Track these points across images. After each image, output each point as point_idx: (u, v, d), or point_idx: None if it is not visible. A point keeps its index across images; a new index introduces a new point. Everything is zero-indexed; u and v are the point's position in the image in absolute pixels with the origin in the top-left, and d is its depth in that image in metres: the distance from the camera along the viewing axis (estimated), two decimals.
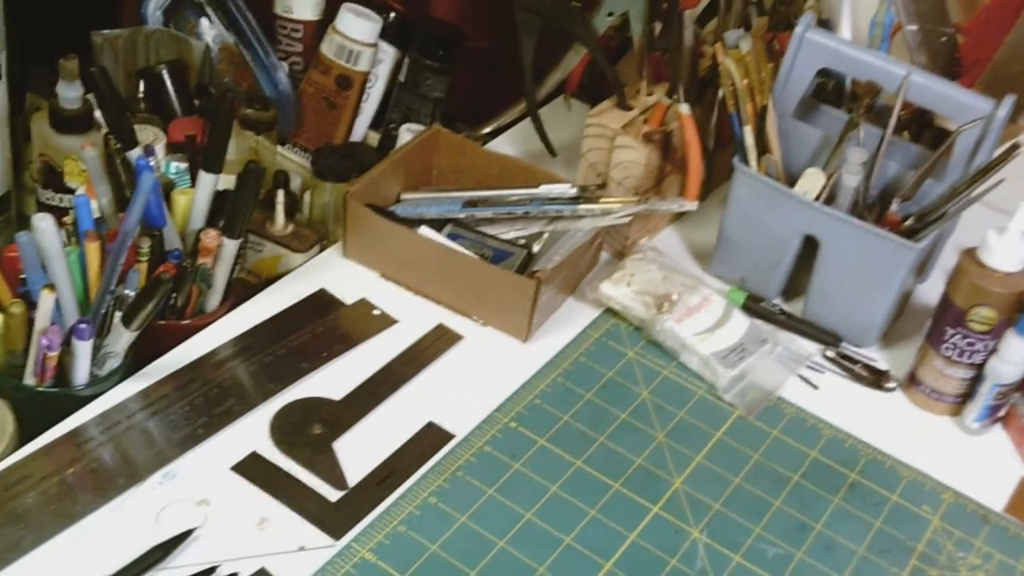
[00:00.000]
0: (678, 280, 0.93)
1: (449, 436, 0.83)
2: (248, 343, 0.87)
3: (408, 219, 0.94)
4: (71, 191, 0.97)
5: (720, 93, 0.95)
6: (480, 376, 0.88)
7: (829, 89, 1.00)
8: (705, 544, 0.78)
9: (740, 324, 0.91)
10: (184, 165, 0.95)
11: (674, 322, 0.90)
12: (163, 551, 0.71)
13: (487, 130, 1.07)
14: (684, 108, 0.92)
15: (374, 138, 1.18)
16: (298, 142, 1.16)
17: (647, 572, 0.76)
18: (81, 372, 0.79)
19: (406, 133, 1.08)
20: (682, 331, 0.90)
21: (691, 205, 0.92)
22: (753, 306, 0.95)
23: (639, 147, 0.93)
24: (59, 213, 0.83)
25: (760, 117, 0.91)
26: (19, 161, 1.06)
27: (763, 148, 0.92)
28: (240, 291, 0.91)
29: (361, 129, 1.17)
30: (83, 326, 0.76)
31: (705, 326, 0.90)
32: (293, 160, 1.14)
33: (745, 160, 0.92)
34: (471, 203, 0.94)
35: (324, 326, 0.90)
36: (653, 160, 0.95)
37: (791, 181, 0.93)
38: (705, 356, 0.89)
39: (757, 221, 0.94)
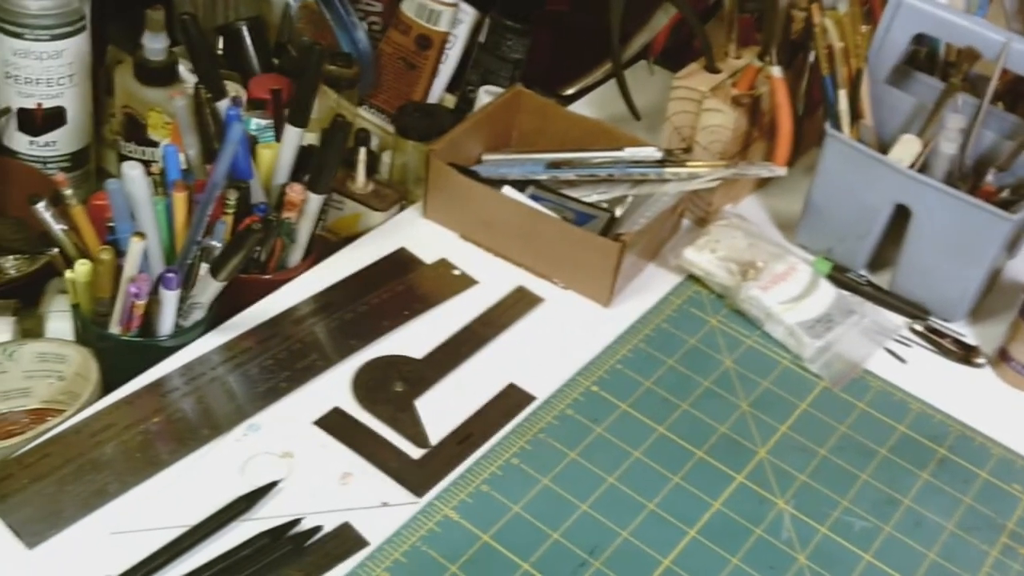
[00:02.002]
0: (764, 247, 0.92)
1: (530, 398, 0.82)
2: (329, 300, 0.87)
3: (490, 179, 0.93)
4: (154, 144, 0.97)
5: (811, 57, 0.93)
6: (560, 339, 0.87)
7: (922, 56, 0.98)
8: (791, 515, 0.77)
9: (827, 294, 0.90)
10: (265, 121, 0.94)
11: (759, 290, 0.88)
12: (248, 502, 0.70)
13: (569, 92, 1.05)
14: (776, 71, 0.90)
15: (450, 100, 1.17)
16: (375, 103, 1.15)
17: (732, 540, 0.74)
18: (166, 322, 0.79)
19: (485, 95, 1.07)
20: (767, 299, 0.88)
21: (780, 171, 0.90)
22: (839, 276, 0.93)
23: (727, 111, 0.91)
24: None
25: (855, 81, 0.88)
26: (99, 114, 1.06)
27: (856, 114, 0.89)
28: (321, 248, 0.91)
29: (438, 90, 1.16)
30: (170, 275, 0.76)
31: (791, 295, 0.89)
32: (370, 120, 1.13)
33: (838, 125, 0.90)
34: (554, 164, 0.93)
35: (404, 285, 0.89)
36: (741, 124, 0.93)
37: (882, 149, 0.91)
38: (791, 325, 0.87)
39: (847, 189, 0.92)
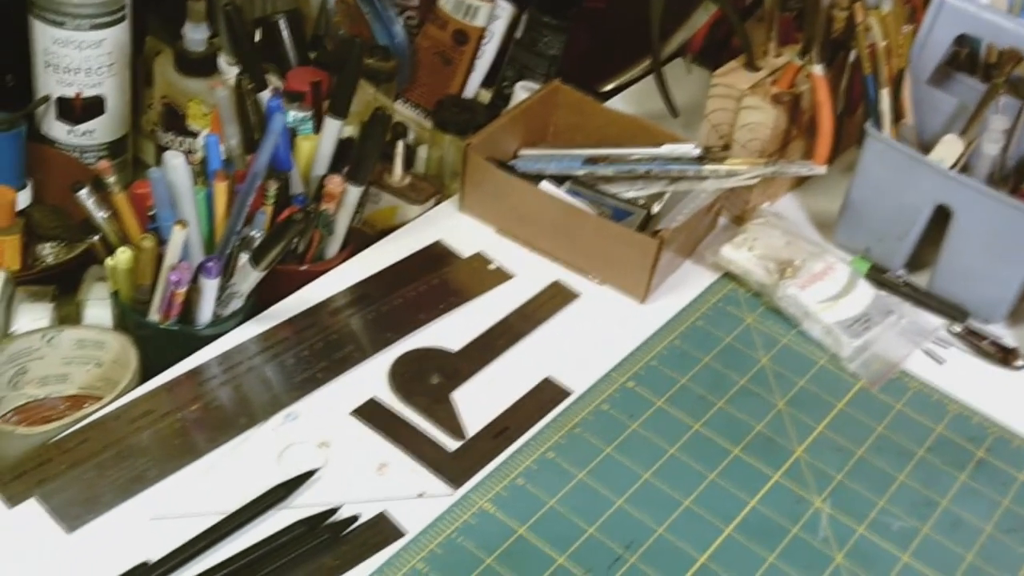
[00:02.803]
0: (801, 246, 0.91)
1: (566, 393, 0.82)
2: (365, 291, 0.87)
3: (527, 174, 0.93)
4: (192, 134, 0.98)
5: (852, 56, 0.93)
6: (596, 335, 0.87)
7: (962, 57, 0.97)
8: (828, 514, 0.76)
9: (865, 293, 0.89)
10: (303, 113, 0.94)
11: (797, 288, 0.88)
12: (286, 490, 0.71)
13: (607, 88, 1.05)
14: (818, 69, 0.90)
15: (485, 96, 1.17)
16: (410, 98, 1.15)
17: (769, 538, 0.74)
18: (205, 311, 0.79)
19: (521, 91, 1.07)
20: (805, 298, 0.88)
21: (820, 169, 0.89)
22: (877, 277, 0.93)
23: (767, 108, 0.91)
24: None
25: (897, 81, 0.88)
26: (137, 105, 1.07)
27: (898, 114, 0.89)
28: (357, 240, 0.91)
29: (473, 86, 1.16)
30: (211, 264, 0.76)
31: (829, 294, 0.88)
32: (406, 115, 1.13)
33: (879, 125, 0.90)
34: (592, 160, 0.93)
35: (440, 278, 0.89)
36: (781, 123, 0.93)
37: (922, 149, 0.90)
38: (829, 324, 0.87)
39: (887, 189, 0.91)
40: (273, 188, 0.81)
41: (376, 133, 0.84)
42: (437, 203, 0.97)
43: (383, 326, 0.84)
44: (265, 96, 0.83)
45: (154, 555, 0.66)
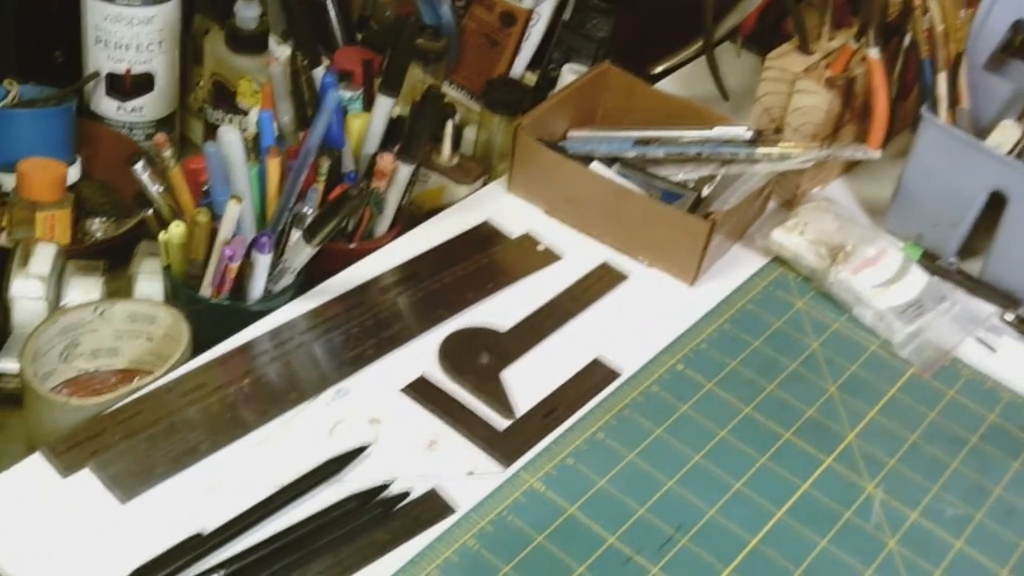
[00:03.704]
0: (854, 231, 0.90)
1: (615, 374, 0.82)
2: (414, 270, 0.87)
3: (576, 155, 0.93)
4: (242, 112, 0.98)
5: (906, 40, 0.92)
6: (645, 317, 0.86)
7: (1018, 43, 0.96)
8: (881, 500, 0.76)
9: (918, 279, 0.88)
10: (351, 93, 0.94)
11: (849, 273, 0.87)
12: (338, 465, 0.71)
13: (657, 71, 1.05)
14: (874, 52, 0.89)
15: (531, 78, 1.17)
16: (456, 79, 1.15)
17: (820, 523, 0.73)
18: (257, 287, 0.79)
19: (569, 73, 1.06)
20: (857, 283, 0.87)
21: (875, 153, 0.89)
22: (929, 264, 0.92)
23: (821, 92, 0.90)
24: None
25: (954, 65, 0.87)
26: (185, 83, 1.07)
27: (954, 98, 0.88)
28: (406, 220, 0.91)
29: (520, 68, 1.15)
30: (264, 239, 0.76)
31: (881, 279, 0.87)
32: (452, 96, 1.13)
33: (935, 110, 0.89)
34: (642, 142, 0.92)
35: (488, 258, 0.89)
36: (834, 107, 0.92)
37: (977, 135, 0.89)
38: (881, 310, 0.86)
39: (941, 174, 0.90)
40: (325, 165, 0.81)
41: (428, 111, 0.84)
42: (485, 184, 0.97)
43: (432, 304, 0.84)
44: (319, 72, 0.83)
45: (207, 526, 0.67)
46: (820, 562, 0.71)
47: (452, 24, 1.12)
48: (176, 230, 0.77)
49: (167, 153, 0.76)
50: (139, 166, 0.76)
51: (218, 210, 0.77)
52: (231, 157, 0.77)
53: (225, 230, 0.75)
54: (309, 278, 0.84)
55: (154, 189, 0.77)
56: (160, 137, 0.77)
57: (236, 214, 0.75)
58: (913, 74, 0.93)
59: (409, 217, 0.92)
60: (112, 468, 0.69)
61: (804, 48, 0.93)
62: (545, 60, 1.15)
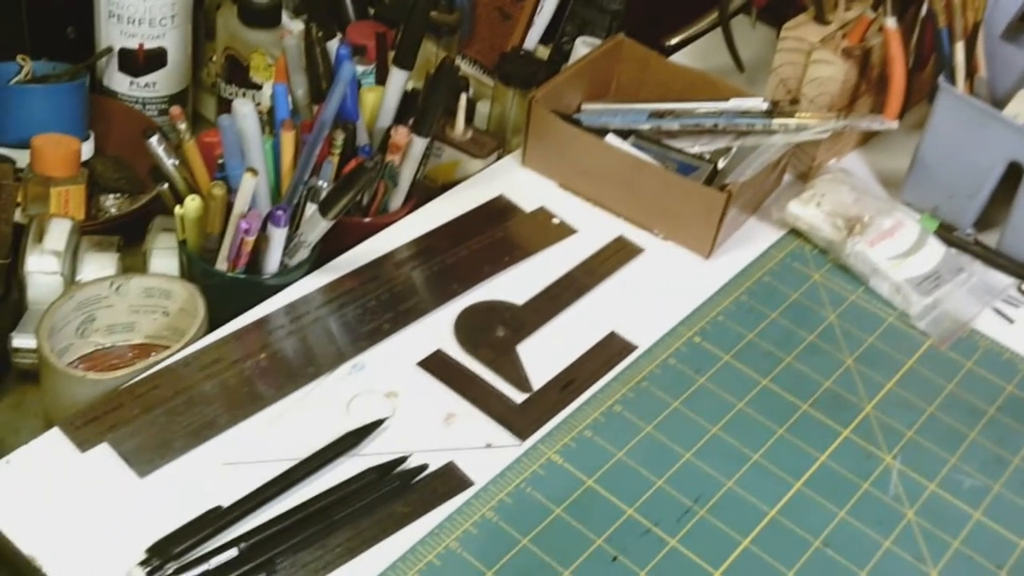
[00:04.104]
0: (870, 203, 0.90)
1: (632, 347, 0.81)
2: (429, 244, 0.87)
3: (591, 128, 0.92)
4: (255, 86, 0.98)
5: (923, 10, 0.91)
6: (661, 290, 0.86)
7: None
8: (898, 471, 0.75)
9: (935, 251, 0.88)
10: (363, 68, 0.94)
11: (866, 245, 0.87)
12: (356, 438, 0.71)
13: (673, 42, 1.04)
14: (891, 22, 0.88)
15: (543, 52, 1.16)
16: (468, 54, 1.14)
17: (838, 494, 0.73)
18: (273, 260, 0.79)
19: (582, 46, 1.06)
20: (874, 255, 0.86)
21: (892, 124, 0.88)
22: (946, 235, 0.91)
23: (838, 62, 0.89)
24: None
25: (972, 35, 0.86)
26: (198, 58, 1.07)
27: (971, 68, 0.87)
28: (420, 194, 0.91)
29: (532, 42, 1.15)
30: (280, 212, 0.76)
31: (898, 251, 0.87)
32: (465, 71, 1.13)
33: (952, 79, 0.88)
34: (657, 114, 0.92)
35: (503, 232, 0.89)
36: (850, 77, 0.91)
37: (995, 105, 0.89)
38: (898, 282, 0.86)
39: (959, 145, 0.90)
40: (340, 138, 0.81)
41: (443, 84, 0.84)
42: (499, 158, 0.97)
43: (447, 278, 0.84)
44: (333, 45, 0.83)
45: (226, 500, 0.67)
46: (839, 533, 0.71)
47: None
48: (192, 204, 0.77)
49: (183, 126, 0.76)
50: (154, 140, 0.76)
51: (233, 184, 0.77)
52: (246, 130, 0.76)
53: (241, 203, 0.75)
54: (324, 252, 0.83)
55: (169, 163, 0.77)
56: (176, 110, 0.76)
57: (252, 187, 0.75)
58: (929, 45, 0.92)
59: (423, 191, 0.92)
60: (130, 443, 0.70)
61: (820, 18, 0.92)
62: (558, 33, 1.14)
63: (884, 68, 0.92)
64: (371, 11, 1.10)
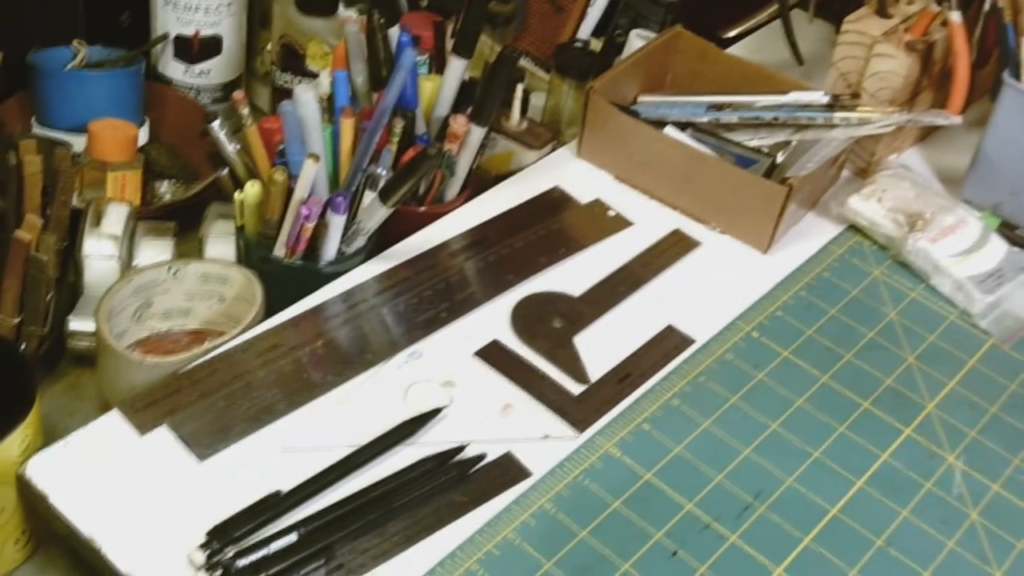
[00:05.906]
0: (932, 199, 0.89)
1: (689, 341, 0.81)
2: (484, 234, 0.86)
3: (648, 120, 0.91)
4: (311, 74, 0.98)
5: (987, 4, 0.90)
6: (718, 284, 0.85)
7: None
8: (962, 471, 0.74)
9: (998, 249, 0.87)
10: (419, 57, 0.94)
11: (928, 242, 0.85)
12: (414, 426, 0.70)
13: (731, 34, 1.03)
14: (956, 16, 0.87)
15: (596, 45, 1.15)
16: (520, 46, 1.13)
17: (901, 493, 0.72)
18: (331, 247, 0.79)
19: (636, 39, 1.05)
20: (936, 252, 0.85)
21: (955, 119, 0.87)
22: (1008, 233, 0.90)
23: (900, 56, 0.88)
24: None
25: None
26: (251, 46, 1.07)
27: None
28: (475, 184, 0.90)
29: (584, 34, 1.14)
30: (339, 199, 0.76)
31: (960, 248, 0.86)
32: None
33: (1017, 75, 0.87)
34: (716, 107, 0.91)
35: (559, 223, 0.88)
36: (913, 71, 0.90)
37: None
38: (960, 280, 0.84)
39: (1023, 142, 0.88)
40: (399, 126, 0.80)
41: (503, 73, 0.83)
42: (554, 149, 0.96)
43: (503, 269, 0.84)
44: (395, 32, 0.82)
45: (285, 485, 0.67)
46: (901, 532, 0.70)
47: None
48: (252, 189, 0.77)
49: (245, 111, 0.76)
50: (216, 124, 0.76)
51: (293, 170, 0.76)
52: (306, 117, 0.76)
53: (301, 189, 0.75)
54: (379, 241, 0.83)
55: (230, 148, 0.77)
56: (239, 94, 0.76)
57: (313, 172, 0.74)
58: (992, 40, 0.91)
59: (477, 182, 0.91)
60: (189, 426, 0.69)
61: (882, 12, 0.91)
62: (612, 26, 1.14)
63: (946, 63, 0.91)
64: (423, 2, 1.10)
